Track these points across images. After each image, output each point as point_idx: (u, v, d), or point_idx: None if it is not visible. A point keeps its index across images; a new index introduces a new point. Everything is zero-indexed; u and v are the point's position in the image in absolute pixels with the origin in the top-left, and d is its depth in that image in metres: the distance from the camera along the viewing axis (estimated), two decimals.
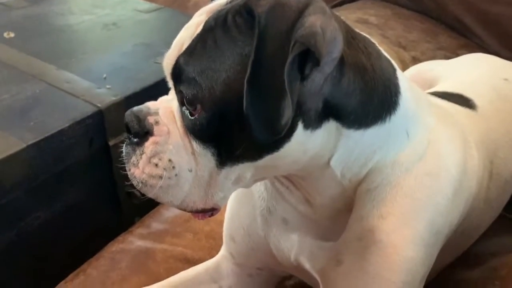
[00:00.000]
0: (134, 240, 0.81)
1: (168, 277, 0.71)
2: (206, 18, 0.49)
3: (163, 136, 0.50)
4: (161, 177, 0.50)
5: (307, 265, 0.61)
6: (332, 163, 0.53)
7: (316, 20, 0.43)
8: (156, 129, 0.51)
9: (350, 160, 0.53)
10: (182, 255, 0.78)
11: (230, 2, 0.49)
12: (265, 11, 0.43)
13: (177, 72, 0.49)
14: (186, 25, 0.51)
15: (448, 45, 1.35)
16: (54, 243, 0.96)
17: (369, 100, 0.51)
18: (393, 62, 0.56)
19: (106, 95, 1.01)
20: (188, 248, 0.79)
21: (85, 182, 1.00)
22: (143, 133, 0.51)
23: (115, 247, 0.80)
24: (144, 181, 0.51)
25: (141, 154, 0.51)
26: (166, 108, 0.52)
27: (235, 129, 0.47)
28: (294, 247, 0.62)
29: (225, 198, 0.53)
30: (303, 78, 0.46)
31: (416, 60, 1.24)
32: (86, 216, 1.02)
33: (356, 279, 0.55)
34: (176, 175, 0.50)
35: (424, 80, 0.89)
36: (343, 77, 0.49)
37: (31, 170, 0.88)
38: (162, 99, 0.54)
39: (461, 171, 0.59)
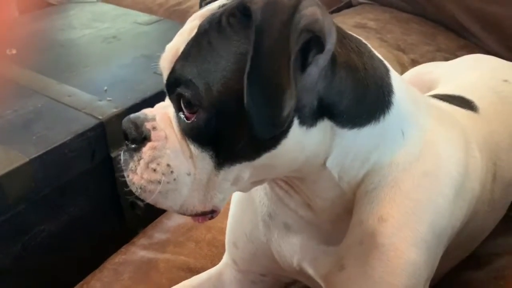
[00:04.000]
0: (137, 251, 0.81)
1: (170, 286, 0.71)
2: (199, 23, 0.50)
3: (160, 141, 0.51)
4: (159, 182, 0.50)
5: (310, 270, 0.61)
6: (328, 164, 0.53)
7: (316, 10, 0.45)
8: (153, 135, 0.51)
9: (347, 162, 0.53)
10: (185, 265, 0.78)
11: (222, 6, 0.50)
12: (260, 7, 0.45)
13: (174, 77, 0.49)
14: (180, 31, 0.52)
15: (447, 47, 1.35)
16: (59, 256, 0.96)
17: (361, 99, 0.52)
18: (386, 62, 0.56)
19: (107, 107, 1.02)
20: (191, 257, 0.79)
21: (89, 194, 1.01)
22: (140, 139, 0.51)
23: (118, 258, 0.80)
24: (143, 187, 0.51)
25: (139, 160, 0.51)
26: (163, 114, 0.52)
27: (233, 128, 0.48)
28: (296, 252, 0.61)
29: (224, 200, 0.53)
30: (303, 69, 0.47)
31: (415, 63, 1.24)
32: (90, 228, 1.02)
33: (359, 285, 0.55)
34: (174, 179, 0.50)
35: (423, 82, 0.89)
36: (335, 76, 0.49)
37: (34, 184, 0.89)
38: (159, 105, 0.54)
39: (462, 172, 0.59)
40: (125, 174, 0.52)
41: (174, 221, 0.86)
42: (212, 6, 0.51)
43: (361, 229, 0.55)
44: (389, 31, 1.39)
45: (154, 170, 0.50)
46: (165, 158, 0.50)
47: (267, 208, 0.63)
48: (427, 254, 0.55)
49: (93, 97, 1.05)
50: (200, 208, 0.52)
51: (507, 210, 0.77)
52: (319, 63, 0.47)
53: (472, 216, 0.63)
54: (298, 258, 0.61)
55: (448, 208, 0.57)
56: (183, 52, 0.49)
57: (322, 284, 0.60)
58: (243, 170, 0.50)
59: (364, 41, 0.55)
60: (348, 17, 1.48)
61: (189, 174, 0.50)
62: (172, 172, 0.50)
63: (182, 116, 0.50)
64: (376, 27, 1.41)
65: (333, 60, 0.48)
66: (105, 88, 1.09)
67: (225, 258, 0.72)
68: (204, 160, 0.50)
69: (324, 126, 0.51)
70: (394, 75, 0.56)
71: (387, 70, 0.56)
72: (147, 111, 0.53)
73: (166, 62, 0.51)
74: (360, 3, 1.63)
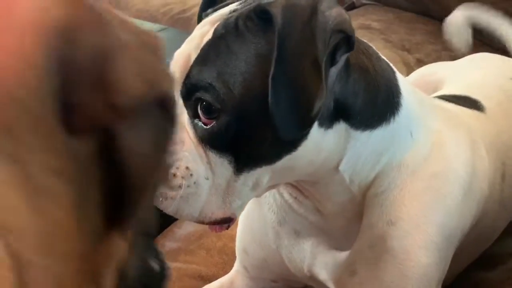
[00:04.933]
0: None
1: None
2: (210, 28, 0.50)
3: (177, 145, 0.50)
4: (180, 186, 0.49)
5: (321, 276, 0.61)
6: (341, 167, 0.53)
7: (341, 10, 0.47)
8: None
9: (359, 165, 0.54)
10: (196, 273, 0.78)
11: (234, 11, 0.50)
12: (280, 10, 0.45)
13: (191, 82, 0.49)
14: (189, 38, 0.52)
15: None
16: None
17: (373, 100, 0.53)
18: (391, 65, 0.57)
19: None
20: (202, 265, 0.79)
21: None
22: None
23: None
24: (163, 195, 0.50)
25: None
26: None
27: (255, 131, 0.48)
28: (307, 258, 0.61)
29: (243, 206, 0.53)
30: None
31: (420, 63, 1.24)
32: None
33: None
34: (194, 182, 0.50)
35: (427, 83, 0.89)
36: (349, 77, 0.50)
37: None
38: None
39: (470, 172, 0.59)
40: None
41: (184, 229, 0.86)
42: (222, 12, 0.52)
43: (371, 233, 0.55)
44: (393, 31, 1.39)
45: (174, 175, 0.49)
46: (184, 160, 0.50)
47: (276, 215, 0.63)
48: (437, 256, 0.55)
49: None
50: (219, 215, 0.52)
51: None
52: (338, 64, 0.48)
53: (482, 216, 0.63)
54: (309, 263, 0.61)
55: (457, 209, 0.57)
56: (198, 57, 0.49)
57: None
58: (263, 174, 0.50)
59: (369, 43, 0.56)
60: (351, 19, 1.47)
61: (207, 179, 0.50)
62: (191, 175, 0.50)
63: (199, 123, 0.49)
64: (380, 28, 1.40)
65: (347, 61, 0.49)
66: None
67: (236, 265, 0.72)
68: (222, 165, 0.49)
69: (340, 128, 0.51)
70: (400, 77, 0.57)
71: (394, 72, 0.56)
72: None
73: (177, 68, 0.50)
74: (363, 4, 1.63)
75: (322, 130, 0.50)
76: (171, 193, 0.50)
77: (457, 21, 1.04)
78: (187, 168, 0.50)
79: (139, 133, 0.23)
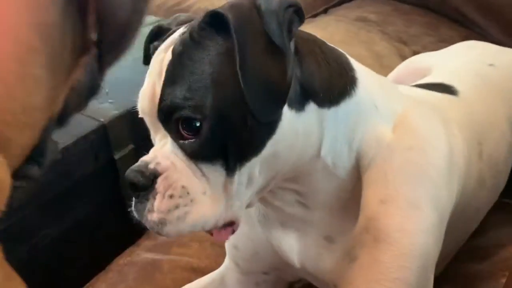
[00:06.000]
0: (141, 253, 0.81)
1: (175, 287, 0.72)
2: (166, 53, 0.51)
3: (169, 169, 0.51)
4: (177, 206, 0.50)
5: (314, 267, 0.61)
6: (322, 153, 0.54)
7: None
8: (160, 168, 0.51)
9: (337, 145, 0.55)
10: (189, 265, 0.78)
11: (183, 34, 0.52)
12: (228, 8, 0.49)
13: (166, 106, 0.49)
14: (148, 72, 0.54)
15: (449, 38, 1.33)
16: (64, 259, 0.97)
17: (328, 76, 0.55)
18: (340, 49, 0.60)
19: (108, 109, 1.02)
20: (194, 257, 0.79)
21: (93, 197, 1.01)
22: (150, 181, 0.51)
23: (122, 260, 0.81)
24: (163, 220, 0.50)
25: (154, 197, 0.50)
26: (162, 152, 0.52)
27: (236, 125, 0.49)
28: (297, 250, 0.61)
29: (243, 207, 0.54)
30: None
31: (417, 54, 1.23)
32: (95, 230, 1.03)
33: (372, 271, 0.54)
34: (191, 200, 0.50)
35: (416, 70, 0.90)
36: (301, 61, 0.53)
37: (38, 188, 0.89)
38: (152, 150, 0.54)
39: (447, 144, 0.60)
40: (143, 220, 0.51)
41: None
42: (172, 38, 0.53)
43: (364, 216, 0.55)
44: (390, 23, 1.38)
45: (171, 196, 0.50)
46: (179, 181, 0.50)
47: (258, 209, 0.63)
48: (432, 230, 0.55)
49: (94, 100, 1.05)
50: (221, 222, 0.52)
51: (505, 198, 0.77)
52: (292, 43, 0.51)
53: (462, 193, 0.63)
54: (299, 256, 0.61)
55: (444, 181, 0.57)
56: (165, 80, 0.50)
57: (329, 279, 0.60)
58: (252, 167, 0.51)
59: (326, 44, 0.58)
60: (349, 11, 1.47)
61: (204, 193, 0.51)
62: (188, 193, 0.50)
63: (186, 141, 0.50)
64: (377, 20, 1.40)
65: (296, 48, 0.52)
66: (107, 90, 1.09)
67: (227, 261, 0.72)
68: (216, 172, 0.50)
69: (310, 109, 0.53)
70: (352, 59, 0.59)
71: (343, 53, 0.59)
72: (144, 157, 0.53)
73: (145, 103, 0.52)
74: None
75: (293, 112, 0.52)
76: (169, 216, 0.50)
77: None
78: (183, 187, 0.50)
79: None
